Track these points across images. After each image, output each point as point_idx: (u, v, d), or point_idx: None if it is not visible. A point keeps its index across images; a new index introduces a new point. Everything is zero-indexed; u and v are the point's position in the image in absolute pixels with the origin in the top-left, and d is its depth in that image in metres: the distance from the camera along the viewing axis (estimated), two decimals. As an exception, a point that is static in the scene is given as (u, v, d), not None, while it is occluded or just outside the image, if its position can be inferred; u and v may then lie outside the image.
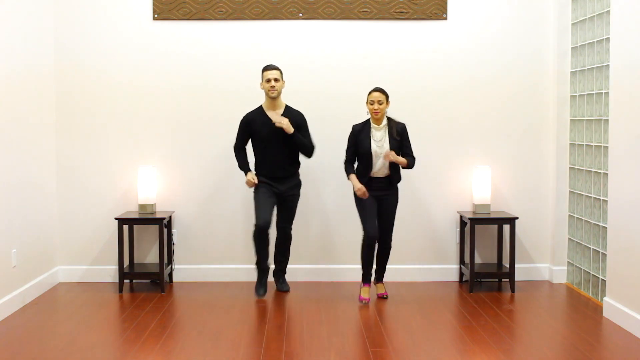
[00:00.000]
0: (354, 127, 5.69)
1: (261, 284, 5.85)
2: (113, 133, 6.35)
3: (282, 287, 6.03)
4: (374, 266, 5.81)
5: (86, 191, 6.36)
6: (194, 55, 6.34)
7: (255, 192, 5.81)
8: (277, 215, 5.90)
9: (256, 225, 5.68)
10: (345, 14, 6.32)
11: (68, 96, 6.32)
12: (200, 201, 6.40)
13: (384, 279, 5.97)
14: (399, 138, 5.60)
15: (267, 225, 5.68)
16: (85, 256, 6.39)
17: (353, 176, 5.64)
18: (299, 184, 5.93)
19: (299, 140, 5.73)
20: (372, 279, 5.89)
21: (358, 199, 5.68)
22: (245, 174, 5.84)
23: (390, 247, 5.78)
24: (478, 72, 6.38)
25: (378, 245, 5.72)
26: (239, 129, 5.89)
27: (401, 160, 5.55)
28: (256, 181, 5.75)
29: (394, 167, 5.64)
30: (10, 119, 5.45)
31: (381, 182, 5.63)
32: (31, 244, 5.82)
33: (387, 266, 6.13)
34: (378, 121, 5.61)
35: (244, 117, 5.87)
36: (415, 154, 5.74)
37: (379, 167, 5.60)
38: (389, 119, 5.66)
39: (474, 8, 6.36)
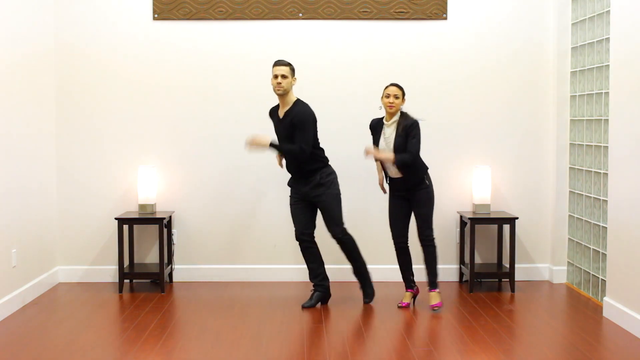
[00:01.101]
0: (372, 121, 5.56)
1: (310, 298, 5.60)
2: (113, 133, 6.35)
3: (364, 298, 5.58)
4: (425, 271, 5.49)
5: (86, 191, 6.36)
6: (194, 55, 6.34)
7: (289, 202, 5.64)
8: (324, 222, 5.58)
9: (296, 237, 5.62)
10: (345, 14, 6.32)
11: (68, 96, 6.32)
12: (201, 201, 6.40)
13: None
14: (403, 134, 5.36)
15: (303, 233, 5.56)
16: (85, 256, 6.39)
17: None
18: (320, 184, 5.46)
19: (279, 147, 5.41)
20: (429, 286, 5.51)
21: (389, 203, 5.55)
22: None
23: (430, 245, 5.43)
24: (478, 72, 6.38)
25: (420, 245, 5.49)
26: None
27: (383, 156, 5.34)
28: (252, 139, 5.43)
29: (405, 169, 5.40)
30: (10, 119, 5.45)
31: (399, 183, 5.46)
32: (31, 244, 5.82)
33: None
34: (390, 116, 5.43)
35: (269, 111, 5.70)
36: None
37: (389, 166, 5.46)
38: (402, 114, 5.45)
39: (473, 8, 6.36)
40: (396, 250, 5.59)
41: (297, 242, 5.66)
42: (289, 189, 5.73)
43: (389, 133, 5.44)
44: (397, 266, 5.66)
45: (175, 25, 6.33)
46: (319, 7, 6.31)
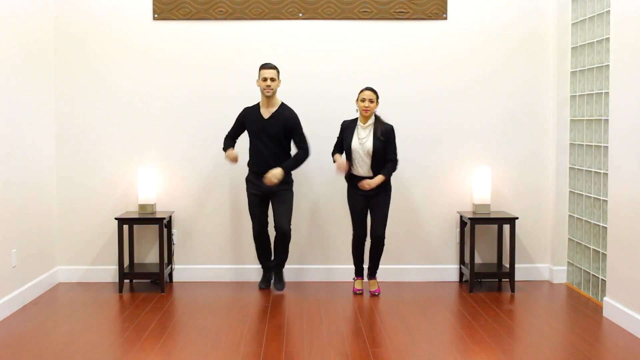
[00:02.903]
0: (343, 122, 5.83)
1: (265, 278, 6.11)
2: (113, 133, 6.35)
3: (277, 286, 6.06)
4: (368, 262, 5.93)
5: (86, 191, 6.36)
6: (194, 55, 6.34)
7: (248, 198, 5.99)
8: (273, 213, 5.93)
9: (253, 230, 5.99)
10: (345, 14, 6.33)
11: (67, 96, 6.32)
12: (200, 201, 6.40)
13: (378, 277, 6.06)
14: (383, 138, 5.66)
15: (262, 229, 6.00)
16: (85, 256, 6.39)
17: (337, 155, 5.78)
18: (287, 182, 5.89)
19: (291, 168, 5.85)
20: (365, 274, 6.01)
21: (349, 198, 5.82)
22: (225, 151, 5.95)
23: (383, 242, 5.80)
24: (478, 72, 6.38)
25: (371, 240, 5.82)
26: (235, 119, 6.01)
27: (377, 181, 5.64)
28: (233, 156, 5.85)
29: (377, 170, 5.68)
30: (10, 119, 5.45)
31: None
32: (31, 244, 5.82)
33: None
34: (365, 119, 5.68)
35: (242, 110, 5.98)
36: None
37: (360, 166, 5.70)
38: (377, 118, 5.72)
39: (474, 8, 6.36)
40: (357, 243, 5.85)
41: (255, 235, 5.99)
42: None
43: (365, 135, 5.68)
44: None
45: (175, 25, 6.33)
46: (319, 7, 6.31)
